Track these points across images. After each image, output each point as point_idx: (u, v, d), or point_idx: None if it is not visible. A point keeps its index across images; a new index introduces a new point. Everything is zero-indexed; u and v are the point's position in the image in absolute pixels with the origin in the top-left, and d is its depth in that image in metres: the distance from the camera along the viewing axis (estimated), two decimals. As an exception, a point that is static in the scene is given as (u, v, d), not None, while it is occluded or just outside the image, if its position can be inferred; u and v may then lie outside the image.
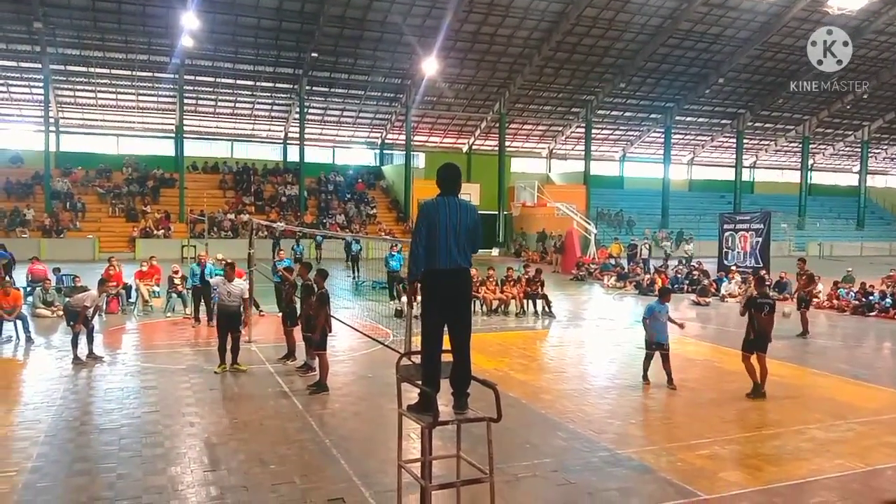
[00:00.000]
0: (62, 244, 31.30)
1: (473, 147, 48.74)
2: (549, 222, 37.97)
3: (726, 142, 53.77)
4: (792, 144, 55.36)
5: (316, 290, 10.60)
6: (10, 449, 7.74)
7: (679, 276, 24.86)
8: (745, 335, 10.64)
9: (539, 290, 18.60)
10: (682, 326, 11.56)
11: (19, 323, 13.72)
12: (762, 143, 55.63)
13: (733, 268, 24.81)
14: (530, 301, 18.53)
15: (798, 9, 36.54)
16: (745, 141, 51.52)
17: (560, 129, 49.41)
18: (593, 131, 47.44)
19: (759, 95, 47.18)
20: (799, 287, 17.54)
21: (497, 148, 44.72)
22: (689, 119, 50.11)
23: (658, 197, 47.63)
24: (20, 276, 18.53)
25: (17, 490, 6.60)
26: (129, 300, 17.80)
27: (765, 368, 10.40)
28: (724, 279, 23.58)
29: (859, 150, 55.55)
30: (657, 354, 10.92)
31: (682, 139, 53.22)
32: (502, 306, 18.45)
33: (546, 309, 18.28)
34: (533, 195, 39.26)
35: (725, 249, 27.15)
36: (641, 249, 30.23)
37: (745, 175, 55.18)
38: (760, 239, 25.72)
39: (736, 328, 16.96)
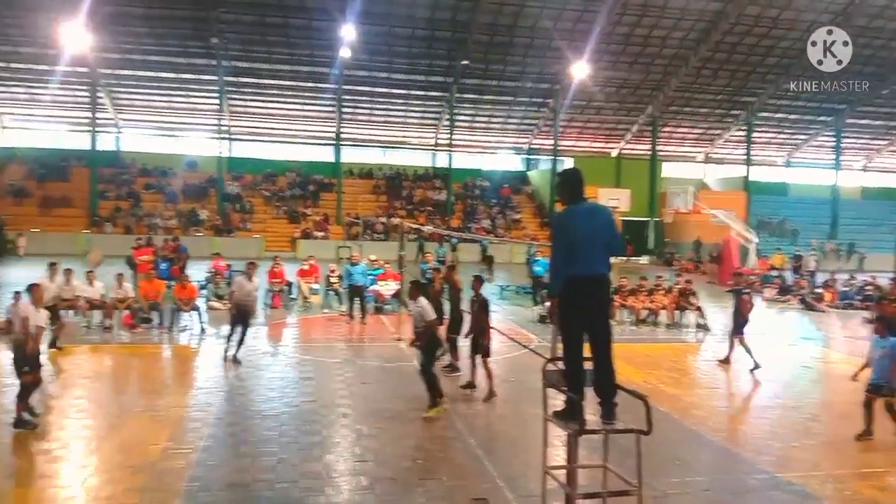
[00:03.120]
0: (232, 242, 33.96)
1: (623, 151, 47.53)
2: (704, 230, 36.32)
3: (908, 145, 48.89)
4: None
5: (477, 297, 10.61)
6: (186, 429, 8.51)
7: (850, 291, 22.90)
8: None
9: (692, 301, 17.83)
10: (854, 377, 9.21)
11: (195, 314, 15.00)
12: (951, 147, 50.06)
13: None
14: (682, 312, 17.77)
15: None
16: (930, 145, 46.62)
17: (718, 132, 47.00)
18: (754, 135, 44.84)
19: (947, 95, 42.46)
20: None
21: (649, 152, 43.28)
22: (863, 122, 46.00)
23: (826, 205, 44.24)
24: (201, 270, 20.20)
25: (191, 466, 7.25)
26: (291, 296, 18.98)
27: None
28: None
29: None
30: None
31: (856, 143, 48.93)
32: (652, 316, 17.85)
33: (700, 321, 17.49)
34: (687, 201, 37.55)
35: (905, 263, 24.72)
36: (808, 261, 28.15)
37: (930, 182, 49.88)
38: (947, 253, 23.21)
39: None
